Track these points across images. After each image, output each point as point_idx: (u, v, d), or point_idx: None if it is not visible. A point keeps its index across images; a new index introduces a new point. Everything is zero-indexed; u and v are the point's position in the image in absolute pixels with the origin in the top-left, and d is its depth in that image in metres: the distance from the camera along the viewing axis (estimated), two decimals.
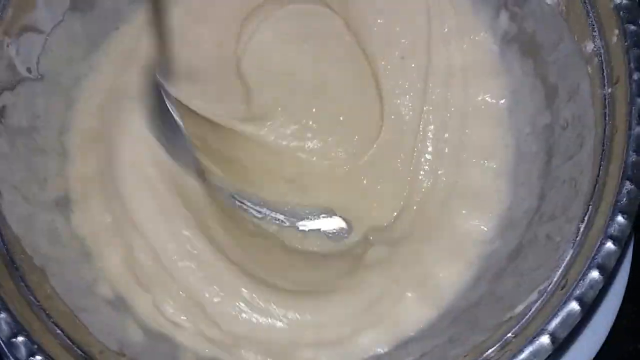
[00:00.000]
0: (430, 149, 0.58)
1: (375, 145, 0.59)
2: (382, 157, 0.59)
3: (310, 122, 0.59)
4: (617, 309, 0.51)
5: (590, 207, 0.45)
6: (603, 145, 0.46)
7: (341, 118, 0.59)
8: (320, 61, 0.60)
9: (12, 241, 0.47)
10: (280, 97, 0.59)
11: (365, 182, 0.59)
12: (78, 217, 0.54)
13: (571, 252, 0.45)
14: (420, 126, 0.58)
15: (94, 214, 0.54)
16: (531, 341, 0.41)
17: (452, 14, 0.58)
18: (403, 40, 0.59)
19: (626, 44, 0.46)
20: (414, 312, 0.53)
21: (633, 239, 0.52)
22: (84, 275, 0.52)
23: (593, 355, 0.50)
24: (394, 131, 0.59)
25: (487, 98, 0.57)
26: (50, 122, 0.55)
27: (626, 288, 0.51)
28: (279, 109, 0.59)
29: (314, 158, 0.59)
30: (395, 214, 0.58)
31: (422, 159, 0.58)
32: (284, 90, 0.59)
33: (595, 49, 0.49)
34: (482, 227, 0.55)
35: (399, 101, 0.59)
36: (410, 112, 0.59)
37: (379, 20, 0.59)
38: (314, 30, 0.60)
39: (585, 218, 0.45)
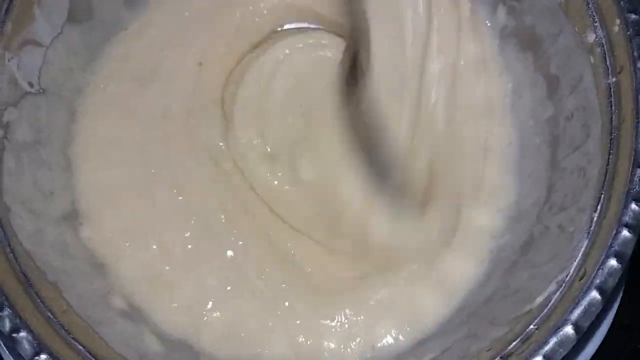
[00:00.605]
0: (433, 148, 0.58)
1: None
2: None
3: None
4: (616, 306, 0.51)
5: (603, 196, 0.46)
6: (611, 134, 0.47)
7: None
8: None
9: (24, 257, 0.47)
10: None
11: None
12: (87, 230, 0.53)
13: (586, 242, 0.45)
14: (423, 126, 0.58)
15: (103, 225, 0.53)
16: (555, 332, 0.42)
17: (452, 8, 0.58)
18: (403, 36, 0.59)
19: (629, 33, 0.47)
20: (430, 308, 0.53)
21: None
22: (97, 287, 0.51)
23: (592, 353, 0.51)
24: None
25: (488, 93, 0.58)
26: (54, 135, 0.55)
27: (625, 288, 0.51)
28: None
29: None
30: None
31: (426, 158, 0.58)
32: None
33: (597, 39, 0.49)
34: (490, 221, 0.55)
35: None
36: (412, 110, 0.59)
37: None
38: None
39: (598, 207, 0.46)
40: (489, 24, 0.59)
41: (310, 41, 0.61)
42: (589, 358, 0.49)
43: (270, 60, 0.60)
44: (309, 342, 0.51)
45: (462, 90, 0.57)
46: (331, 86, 0.58)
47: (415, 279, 0.53)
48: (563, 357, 0.42)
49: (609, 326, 0.50)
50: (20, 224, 0.48)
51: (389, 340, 0.52)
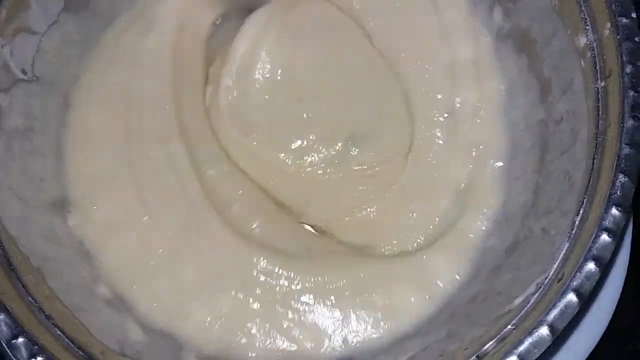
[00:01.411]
0: (425, 148, 0.58)
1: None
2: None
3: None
4: (614, 305, 0.51)
5: (585, 200, 0.46)
6: (597, 139, 0.47)
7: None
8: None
9: (9, 242, 0.47)
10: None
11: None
12: (75, 218, 0.54)
13: (567, 245, 0.45)
14: (415, 126, 0.59)
15: (91, 213, 0.54)
16: (530, 332, 0.42)
17: (451, 10, 0.58)
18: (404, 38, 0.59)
19: (618, 37, 0.47)
20: (412, 307, 0.53)
21: (631, 237, 0.53)
22: (82, 275, 0.52)
23: (590, 350, 0.50)
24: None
25: (482, 95, 0.58)
26: (47, 123, 0.55)
27: (625, 288, 0.51)
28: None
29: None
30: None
31: (418, 158, 0.58)
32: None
33: (588, 42, 0.49)
34: (478, 222, 0.55)
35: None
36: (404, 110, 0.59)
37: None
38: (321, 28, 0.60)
39: (580, 211, 0.46)
40: (484, 27, 0.59)
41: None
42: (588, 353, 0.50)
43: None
44: (285, 334, 0.51)
45: (456, 92, 0.58)
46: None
47: (397, 278, 0.53)
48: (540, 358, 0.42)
49: (605, 327, 0.50)
50: (7, 209, 0.48)
51: (366, 336, 0.52)
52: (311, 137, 0.58)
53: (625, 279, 0.51)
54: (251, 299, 0.52)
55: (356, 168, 0.58)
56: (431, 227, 0.56)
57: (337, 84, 0.59)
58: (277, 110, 0.59)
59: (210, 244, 0.53)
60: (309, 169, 0.58)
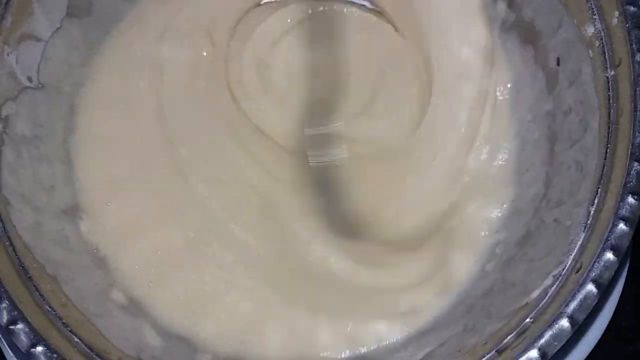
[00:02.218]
0: (432, 142, 0.58)
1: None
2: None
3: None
4: (614, 305, 0.51)
5: (600, 189, 0.46)
6: (609, 128, 0.47)
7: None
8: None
9: (24, 251, 0.47)
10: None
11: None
12: (87, 224, 0.54)
13: (583, 235, 0.45)
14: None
15: (103, 219, 0.54)
16: (550, 325, 0.42)
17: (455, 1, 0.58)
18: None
19: (627, 25, 0.47)
20: (427, 301, 0.53)
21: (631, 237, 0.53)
22: (97, 281, 0.51)
23: (589, 350, 0.50)
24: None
25: (488, 87, 0.57)
26: (54, 130, 0.55)
27: (625, 288, 0.51)
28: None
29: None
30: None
31: (425, 152, 0.58)
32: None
33: (595, 32, 0.49)
34: (488, 216, 0.55)
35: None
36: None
37: None
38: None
39: (595, 201, 0.45)
40: (488, 19, 0.59)
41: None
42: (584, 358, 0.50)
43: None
44: (303, 336, 0.51)
45: (464, 83, 0.57)
46: None
47: (410, 273, 0.53)
48: (557, 356, 0.42)
49: (604, 327, 0.50)
50: (20, 217, 0.48)
51: (382, 333, 0.52)
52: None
53: (625, 279, 0.51)
54: (268, 300, 0.52)
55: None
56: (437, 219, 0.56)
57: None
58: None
59: (227, 248, 0.53)
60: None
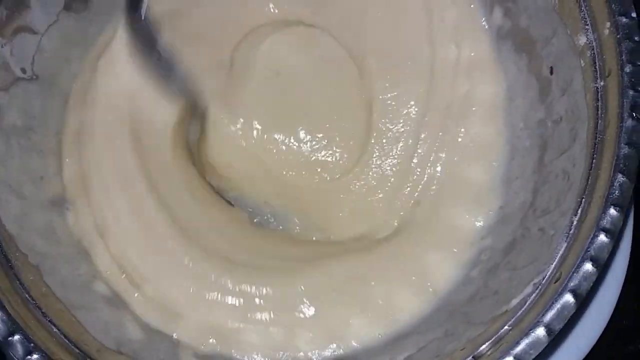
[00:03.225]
0: (424, 147, 0.58)
1: (368, 149, 0.59)
2: (375, 160, 0.59)
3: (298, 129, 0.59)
4: (613, 305, 0.51)
5: (584, 200, 0.45)
6: (595, 139, 0.46)
7: (328, 124, 0.59)
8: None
9: (7, 239, 0.47)
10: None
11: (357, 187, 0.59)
12: (74, 216, 0.54)
13: (565, 245, 0.45)
14: (414, 125, 0.58)
15: (88, 212, 0.54)
16: (527, 333, 0.41)
17: (450, 8, 0.58)
18: (398, 39, 0.59)
19: (618, 36, 0.46)
20: (409, 306, 0.53)
21: (631, 237, 0.53)
22: (80, 273, 0.52)
23: (588, 350, 0.50)
24: (386, 133, 0.59)
25: (481, 95, 0.57)
26: (46, 121, 0.55)
27: (625, 288, 0.51)
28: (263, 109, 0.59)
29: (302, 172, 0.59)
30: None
31: (416, 157, 0.58)
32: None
33: (587, 42, 0.49)
34: (476, 222, 0.55)
35: (391, 102, 0.59)
36: (404, 112, 0.59)
37: (374, 16, 0.59)
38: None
39: (579, 211, 0.45)
40: (485, 25, 0.59)
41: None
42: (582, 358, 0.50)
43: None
44: (282, 336, 0.51)
45: (456, 89, 0.57)
46: None
47: (393, 277, 0.53)
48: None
49: (603, 327, 0.50)
50: (5, 207, 0.49)
51: (363, 336, 0.52)
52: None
53: (625, 278, 0.51)
54: (249, 300, 0.52)
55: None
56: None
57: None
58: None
59: (211, 245, 0.53)
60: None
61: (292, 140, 0.59)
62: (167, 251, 0.53)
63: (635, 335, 0.58)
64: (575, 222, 0.45)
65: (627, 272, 0.52)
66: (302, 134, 0.59)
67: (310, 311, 0.52)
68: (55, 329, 0.44)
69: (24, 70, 0.54)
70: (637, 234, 0.53)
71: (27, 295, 0.45)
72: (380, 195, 0.58)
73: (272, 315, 0.52)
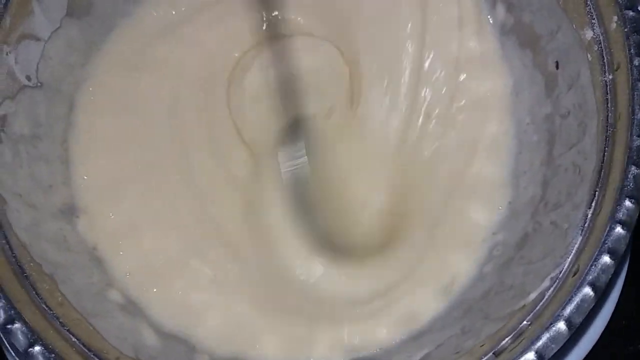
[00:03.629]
0: (429, 143, 0.58)
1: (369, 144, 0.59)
2: (378, 156, 0.59)
3: None
4: (614, 305, 0.51)
5: (597, 193, 0.46)
6: (606, 132, 0.47)
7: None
8: None
9: (20, 250, 0.47)
10: None
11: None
12: (85, 223, 0.54)
13: (580, 238, 0.45)
14: (420, 121, 0.59)
15: (101, 219, 0.54)
16: (547, 328, 0.42)
17: (452, 4, 0.58)
18: (399, 34, 0.59)
19: (625, 30, 0.47)
20: (424, 303, 0.53)
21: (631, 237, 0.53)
22: (94, 280, 0.51)
23: (588, 350, 0.50)
24: (392, 127, 0.59)
25: (486, 91, 0.58)
26: (53, 129, 0.55)
27: (625, 288, 0.51)
28: None
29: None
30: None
31: (423, 154, 0.58)
32: None
33: (594, 36, 0.49)
34: (486, 217, 0.55)
35: (397, 96, 0.59)
36: (409, 107, 0.59)
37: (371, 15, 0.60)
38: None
39: (593, 204, 0.46)
40: (490, 20, 0.59)
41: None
42: (582, 358, 0.50)
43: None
44: (299, 341, 0.51)
45: (461, 86, 0.57)
46: None
47: (408, 275, 0.53)
48: (555, 356, 0.42)
49: (603, 327, 0.50)
50: (17, 216, 0.48)
51: (380, 335, 0.52)
52: None
53: (625, 278, 0.51)
54: (264, 305, 0.52)
55: None
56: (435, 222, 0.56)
57: None
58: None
59: (226, 248, 0.53)
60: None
61: None
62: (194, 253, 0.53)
63: (635, 335, 0.58)
64: (589, 215, 0.45)
65: (627, 273, 0.52)
66: None
67: (324, 311, 0.52)
68: (74, 339, 0.44)
69: (29, 78, 0.53)
70: (637, 233, 0.53)
71: (44, 306, 0.44)
72: None
73: (289, 321, 0.52)
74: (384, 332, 0.52)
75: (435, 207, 0.57)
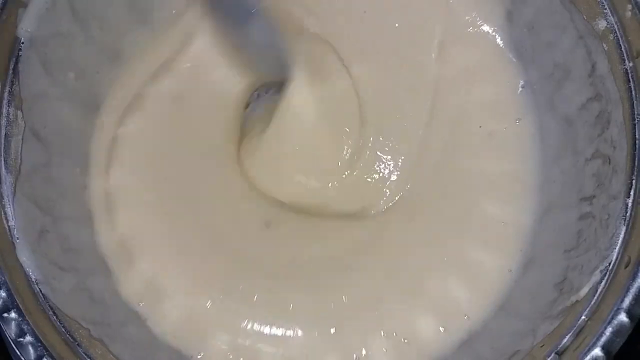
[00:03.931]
0: (446, 142, 0.58)
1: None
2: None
3: None
4: None
5: (634, 180, 0.46)
6: (634, 120, 0.47)
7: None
8: None
9: (68, 321, 0.46)
10: None
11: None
12: (119, 281, 0.53)
13: (624, 228, 0.46)
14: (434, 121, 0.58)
15: (134, 276, 0.53)
16: (609, 322, 0.42)
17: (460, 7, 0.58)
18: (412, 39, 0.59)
19: None
20: (469, 306, 0.53)
21: None
22: (141, 338, 0.51)
23: None
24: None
25: (500, 90, 0.58)
26: (70, 190, 0.53)
27: None
28: None
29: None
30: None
31: (445, 152, 0.58)
32: None
33: (608, 26, 0.49)
34: (519, 214, 0.55)
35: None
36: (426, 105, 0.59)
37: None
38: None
39: (631, 193, 0.46)
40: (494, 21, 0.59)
41: None
42: None
43: None
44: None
45: (475, 89, 0.57)
46: None
47: (448, 276, 0.54)
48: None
49: None
50: (60, 285, 0.47)
51: (428, 340, 0.52)
52: None
53: None
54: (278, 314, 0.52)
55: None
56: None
57: None
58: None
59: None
60: None
61: None
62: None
63: (635, 335, 0.59)
64: (630, 204, 0.46)
65: None
66: None
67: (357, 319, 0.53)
68: None
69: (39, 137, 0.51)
70: None
71: None
72: None
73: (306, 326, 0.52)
74: (430, 331, 0.53)
75: (465, 207, 0.57)
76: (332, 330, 0.52)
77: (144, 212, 0.55)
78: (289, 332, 0.52)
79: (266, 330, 0.52)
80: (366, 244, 0.56)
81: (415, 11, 0.59)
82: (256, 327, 0.52)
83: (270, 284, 0.53)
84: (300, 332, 0.53)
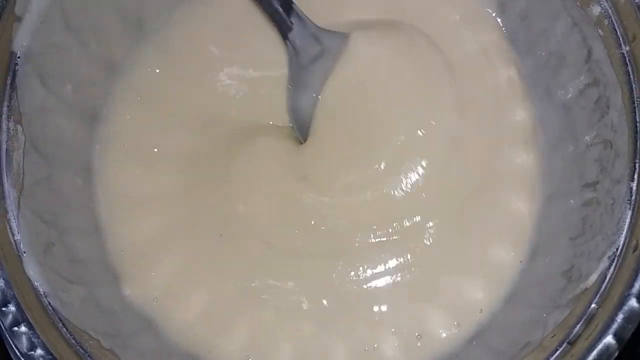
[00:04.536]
0: (464, 139, 0.57)
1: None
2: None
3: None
4: None
5: (637, 163, 0.46)
6: (633, 103, 0.47)
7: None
8: None
9: (77, 330, 0.46)
10: None
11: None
12: (128, 290, 0.53)
13: (630, 213, 0.45)
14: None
15: (143, 284, 0.53)
16: (620, 308, 0.42)
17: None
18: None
19: (637, 1, 0.47)
20: (479, 298, 0.53)
21: None
22: (151, 346, 0.51)
23: None
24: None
25: (501, 79, 0.58)
26: (74, 201, 0.53)
27: None
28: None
29: None
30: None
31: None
32: None
33: (602, 11, 0.49)
34: (525, 207, 0.55)
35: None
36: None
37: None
38: None
39: (635, 176, 0.46)
40: (491, 13, 0.59)
41: None
42: None
43: None
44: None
45: (473, 79, 0.57)
46: None
47: (454, 271, 0.54)
48: None
49: None
50: (66, 300, 0.47)
51: (441, 335, 0.52)
52: None
53: None
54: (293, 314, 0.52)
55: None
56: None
57: None
58: None
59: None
60: None
61: None
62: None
63: (635, 335, 0.59)
64: (634, 188, 0.46)
65: None
66: None
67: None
68: None
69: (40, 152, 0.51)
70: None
71: None
72: None
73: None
74: (440, 326, 0.53)
75: (474, 201, 0.56)
76: (344, 324, 0.53)
77: (150, 218, 0.54)
78: (300, 326, 0.52)
79: (279, 326, 0.52)
80: None
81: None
82: (269, 324, 0.52)
83: (281, 283, 0.53)
84: (311, 326, 0.53)
